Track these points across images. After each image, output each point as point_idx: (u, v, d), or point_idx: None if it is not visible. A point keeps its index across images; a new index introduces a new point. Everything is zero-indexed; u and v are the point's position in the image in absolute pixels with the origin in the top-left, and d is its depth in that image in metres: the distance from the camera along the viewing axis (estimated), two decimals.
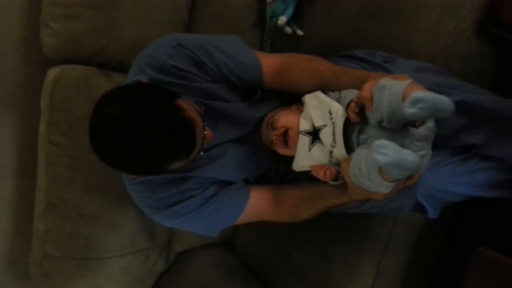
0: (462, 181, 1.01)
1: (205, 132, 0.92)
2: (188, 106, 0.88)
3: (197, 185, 1.06)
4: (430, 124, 0.90)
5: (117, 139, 0.82)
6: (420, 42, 1.15)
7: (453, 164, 1.03)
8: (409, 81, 0.88)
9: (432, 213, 1.07)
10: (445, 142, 1.03)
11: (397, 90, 0.86)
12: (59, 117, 1.24)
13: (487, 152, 1.00)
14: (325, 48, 1.25)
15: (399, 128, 0.90)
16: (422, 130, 0.88)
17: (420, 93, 0.81)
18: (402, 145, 0.86)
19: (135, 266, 1.40)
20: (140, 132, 0.81)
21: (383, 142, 0.80)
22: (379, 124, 0.91)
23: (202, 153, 0.94)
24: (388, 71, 1.07)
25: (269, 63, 1.10)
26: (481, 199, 1.03)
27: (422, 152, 0.89)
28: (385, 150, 0.79)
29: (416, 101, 0.80)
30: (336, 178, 1.00)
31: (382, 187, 0.89)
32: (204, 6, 1.42)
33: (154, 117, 0.82)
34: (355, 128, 0.97)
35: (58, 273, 1.32)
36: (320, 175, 1.01)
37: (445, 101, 0.81)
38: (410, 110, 0.80)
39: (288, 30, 1.36)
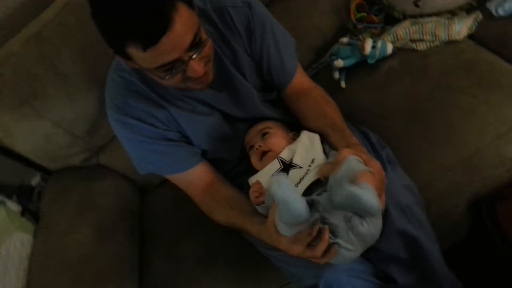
0: None
1: (206, 43, 0.88)
2: (187, 14, 0.81)
3: (164, 120, 1.04)
4: (374, 230, 0.89)
5: None
6: (425, 170, 1.14)
7: (367, 283, 1.01)
8: (365, 168, 0.86)
9: None
10: (376, 259, 1.01)
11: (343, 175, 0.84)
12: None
13: None
14: (351, 113, 1.24)
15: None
16: (363, 228, 0.86)
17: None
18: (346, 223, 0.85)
19: (58, 142, 1.37)
20: None
21: (281, 178, 0.78)
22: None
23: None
24: (385, 171, 1.04)
25: (301, 80, 1.11)
26: None
27: (350, 247, 0.86)
28: (279, 185, 0.77)
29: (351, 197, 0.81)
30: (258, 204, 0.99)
31: (281, 229, 0.86)
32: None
33: None
34: (319, 188, 0.95)
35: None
36: (250, 191, 1.00)
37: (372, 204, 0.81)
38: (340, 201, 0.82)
39: (336, 75, 1.37)
